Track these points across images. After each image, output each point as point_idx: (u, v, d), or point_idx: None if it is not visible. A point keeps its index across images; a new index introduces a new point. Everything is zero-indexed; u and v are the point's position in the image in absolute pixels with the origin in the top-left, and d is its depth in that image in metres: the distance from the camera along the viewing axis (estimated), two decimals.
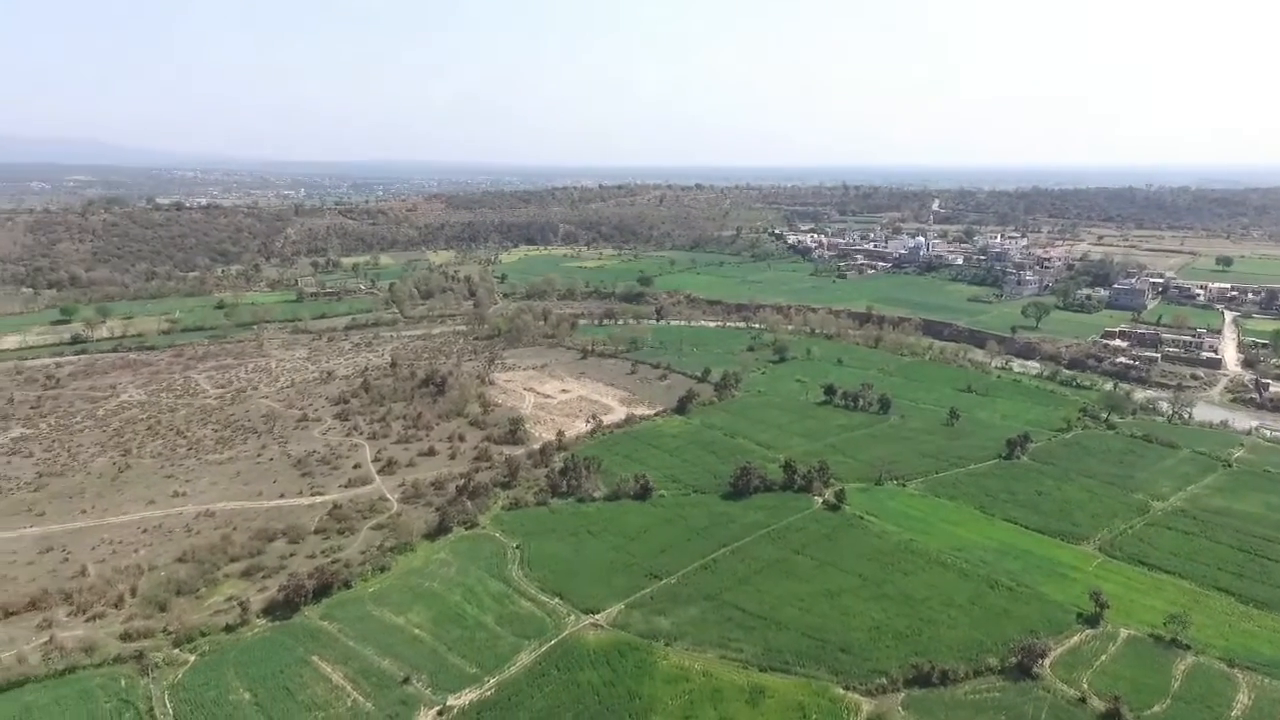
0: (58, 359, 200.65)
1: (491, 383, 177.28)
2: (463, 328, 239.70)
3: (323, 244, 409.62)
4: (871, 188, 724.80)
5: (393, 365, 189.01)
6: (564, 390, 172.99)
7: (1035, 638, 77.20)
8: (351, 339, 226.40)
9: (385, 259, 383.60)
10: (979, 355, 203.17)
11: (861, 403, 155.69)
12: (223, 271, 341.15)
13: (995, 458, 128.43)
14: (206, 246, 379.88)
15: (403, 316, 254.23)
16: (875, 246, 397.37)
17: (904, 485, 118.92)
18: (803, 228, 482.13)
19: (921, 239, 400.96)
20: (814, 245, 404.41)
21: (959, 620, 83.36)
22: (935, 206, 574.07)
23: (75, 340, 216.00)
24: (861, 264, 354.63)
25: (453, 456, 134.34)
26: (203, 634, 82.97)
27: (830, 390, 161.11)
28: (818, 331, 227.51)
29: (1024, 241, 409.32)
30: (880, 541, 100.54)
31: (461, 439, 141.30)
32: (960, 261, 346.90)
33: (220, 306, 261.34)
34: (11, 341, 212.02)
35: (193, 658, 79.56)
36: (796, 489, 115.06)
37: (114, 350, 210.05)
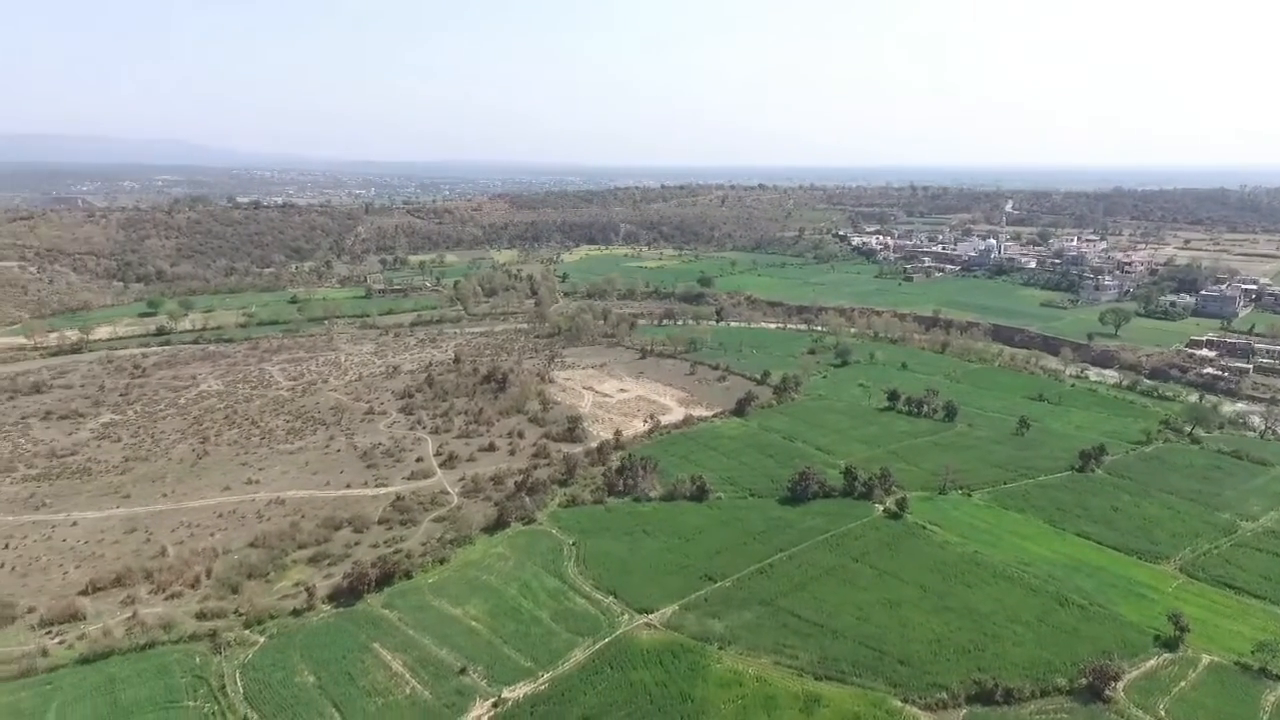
0: (144, 349, 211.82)
1: (551, 380, 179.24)
2: (524, 326, 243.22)
3: (391, 242, 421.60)
4: (941, 188, 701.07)
5: (456, 361, 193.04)
6: (622, 390, 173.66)
7: (1108, 659, 73.61)
8: (417, 335, 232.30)
9: (451, 257, 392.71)
10: (1052, 363, 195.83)
11: (926, 409, 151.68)
12: (296, 268, 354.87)
13: (1067, 469, 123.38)
14: (282, 244, 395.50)
15: (466, 314, 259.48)
16: (944, 248, 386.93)
17: (969, 495, 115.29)
18: (868, 229, 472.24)
19: (993, 241, 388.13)
20: (879, 247, 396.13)
21: (1025, 637, 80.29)
22: (1008, 208, 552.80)
23: (160, 332, 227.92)
24: (929, 266, 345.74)
25: (512, 452, 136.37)
26: (271, 617, 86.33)
27: (894, 395, 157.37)
28: (882, 335, 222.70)
29: (1103, 245, 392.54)
30: (943, 552, 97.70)
31: (521, 435, 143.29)
32: (1034, 265, 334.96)
33: (294, 302, 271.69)
34: (103, 332, 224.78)
35: (262, 639, 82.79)
36: (857, 496, 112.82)
37: (195, 342, 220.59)
